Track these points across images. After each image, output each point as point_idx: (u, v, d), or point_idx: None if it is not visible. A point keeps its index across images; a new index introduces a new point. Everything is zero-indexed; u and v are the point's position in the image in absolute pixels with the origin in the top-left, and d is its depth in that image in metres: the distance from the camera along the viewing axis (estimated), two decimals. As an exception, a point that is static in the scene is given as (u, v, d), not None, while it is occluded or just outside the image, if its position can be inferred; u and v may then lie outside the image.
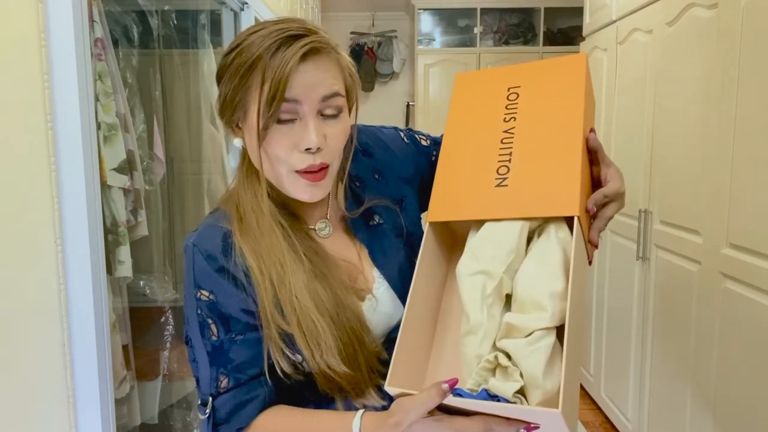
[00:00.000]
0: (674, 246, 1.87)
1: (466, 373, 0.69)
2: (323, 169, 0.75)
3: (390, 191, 0.90)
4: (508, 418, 0.62)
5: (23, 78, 1.05)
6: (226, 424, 0.76)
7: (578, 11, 3.02)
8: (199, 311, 0.77)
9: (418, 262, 0.76)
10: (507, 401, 0.62)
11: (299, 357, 0.76)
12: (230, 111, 0.75)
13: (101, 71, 1.48)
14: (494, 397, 0.62)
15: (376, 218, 0.87)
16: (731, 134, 1.54)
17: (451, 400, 0.62)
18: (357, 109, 0.83)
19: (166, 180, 2.14)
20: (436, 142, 0.98)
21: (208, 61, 2.14)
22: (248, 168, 0.82)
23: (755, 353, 1.44)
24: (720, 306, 1.60)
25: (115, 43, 1.70)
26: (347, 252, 0.85)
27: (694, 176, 1.73)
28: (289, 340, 0.75)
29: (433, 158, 0.95)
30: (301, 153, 0.73)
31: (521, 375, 0.64)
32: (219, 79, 0.77)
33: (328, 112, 0.74)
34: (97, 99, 1.45)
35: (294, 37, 0.71)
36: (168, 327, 2.02)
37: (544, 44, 4.19)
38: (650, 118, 2.05)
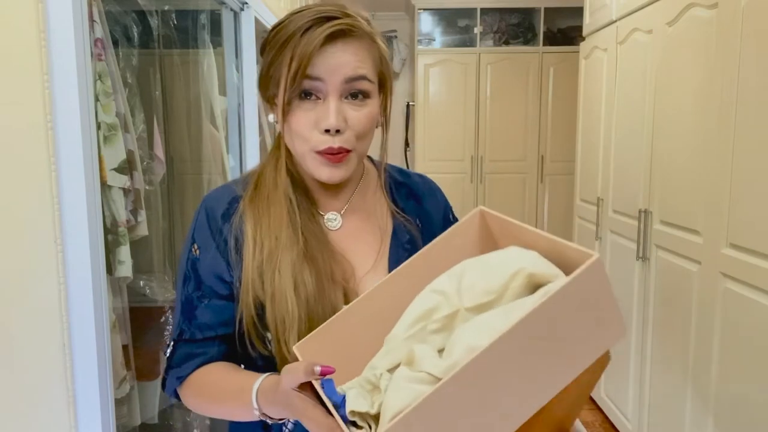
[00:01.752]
0: (674, 246, 1.87)
1: (356, 377, 0.65)
2: (343, 152, 0.76)
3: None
4: None
5: (23, 78, 1.05)
6: (176, 369, 0.81)
7: (578, 11, 3.01)
8: (186, 262, 0.82)
9: (436, 240, 0.70)
10: (345, 418, 0.57)
11: (268, 334, 0.77)
12: (265, 85, 0.78)
13: (101, 71, 1.48)
14: (342, 407, 0.58)
15: (407, 237, 0.88)
16: (731, 134, 1.54)
17: (317, 386, 0.60)
18: (391, 101, 0.83)
19: (166, 180, 2.14)
20: None
21: (208, 61, 2.14)
22: (279, 142, 0.84)
23: (755, 353, 1.44)
24: (720, 306, 1.60)
25: (115, 43, 1.69)
26: (350, 250, 0.84)
27: (694, 176, 1.73)
28: (262, 312, 0.77)
29: None
30: (322, 133, 0.74)
31: (380, 405, 0.57)
32: (261, 53, 0.80)
33: (353, 92, 0.75)
34: (97, 99, 1.45)
35: (327, 18, 0.73)
36: (168, 327, 2.01)
37: (544, 44, 4.19)
38: (650, 118, 2.05)
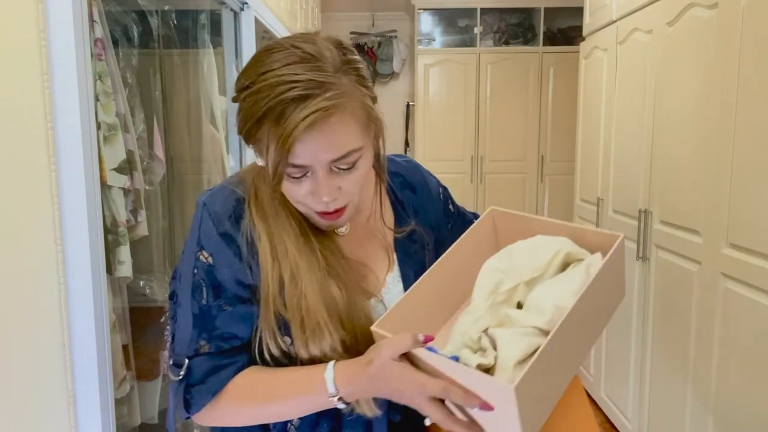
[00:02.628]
0: (674, 246, 1.87)
1: (448, 345, 0.72)
2: (340, 210, 0.75)
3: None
4: (466, 391, 0.63)
5: (23, 78, 1.05)
6: (201, 385, 0.76)
7: (578, 11, 3.01)
8: (195, 271, 0.77)
9: (460, 239, 0.80)
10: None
11: (288, 341, 0.77)
12: (246, 141, 0.74)
13: (101, 71, 1.48)
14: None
15: (414, 237, 0.89)
16: (731, 134, 1.54)
17: (422, 353, 0.65)
18: (384, 139, 0.78)
19: (166, 180, 2.14)
20: (461, 213, 0.99)
21: (208, 61, 2.14)
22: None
23: (755, 353, 1.44)
24: (720, 306, 1.60)
25: (115, 43, 1.70)
26: (361, 251, 0.85)
27: (694, 176, 1.73)
28: (284, 326, 0.76)
29: (450, 227, 0.96)
30: (315, 201, 0.73)
31: (495, 359, 0.66)
32: (235, 100, 0.75)
33: (342, 167, 0.71)
34: (97, 99, 1.45)
35: (301, 98, 0.66)
36: (168, 327, 2.01)
37: (544, 44, 4.19)
38: (650, 118, 2.05)
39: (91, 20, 1.41)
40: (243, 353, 0.78)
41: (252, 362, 0.79)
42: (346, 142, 0.70)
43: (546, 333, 0.67)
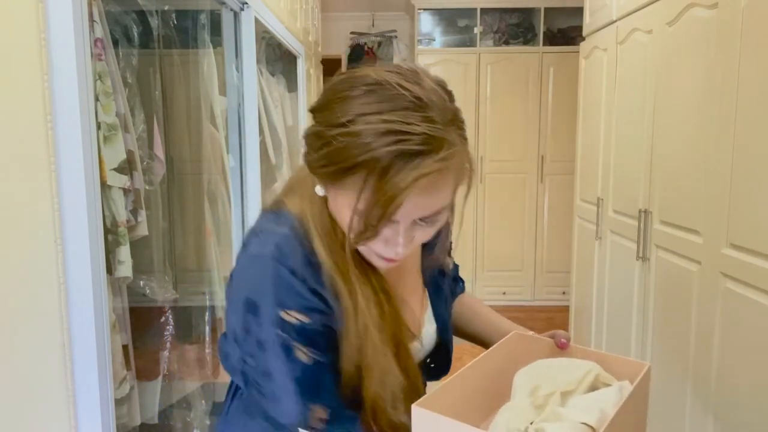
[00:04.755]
0: (674, 246, 1.87)
1: None
2: (403, 257, 0.71)
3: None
4: None
5: (23, 78, 1.05)
6: None
7: (578, 11, 3.01)
8: (281, 332, 0.68)
9: (481, 356, 0.82)
10: None
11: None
12: (319, 176, 0.67)
13: (101, 71, 1.48)
14: None
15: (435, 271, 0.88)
16: (731, 134, 1.53)
17: None
18: (470, 187, 0.70)
19: (166, 180, 2.14)
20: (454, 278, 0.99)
21: (208, 61, 2.14)
22: (325, 204, 0.73)
23: (755, 353, 1.44)
24: (720, 306, 1.60)
25: (115, 43, 1.70)
26: (400, 286, 0.83)
27: (694, 176, 1.73)
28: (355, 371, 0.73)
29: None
30: (386, 248, 0.68)
31: None
32: (315, 123, 0.67)
33: (425, 221, 0.67)
34: (97, 99, 1.45)
35: (413, 155, 0.59)
36: (168, 327, 2.01)
37: (544, 44, 4.19)
38: (650, 118, 2.05)
39: (91, 20, 1.41)
40: (356, 421, 0.73)
41: None
42: (442, 200, 0.66)
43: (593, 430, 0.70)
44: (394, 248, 0.67)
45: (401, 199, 0.60)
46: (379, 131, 0.59)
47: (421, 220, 0.66)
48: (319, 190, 0.71)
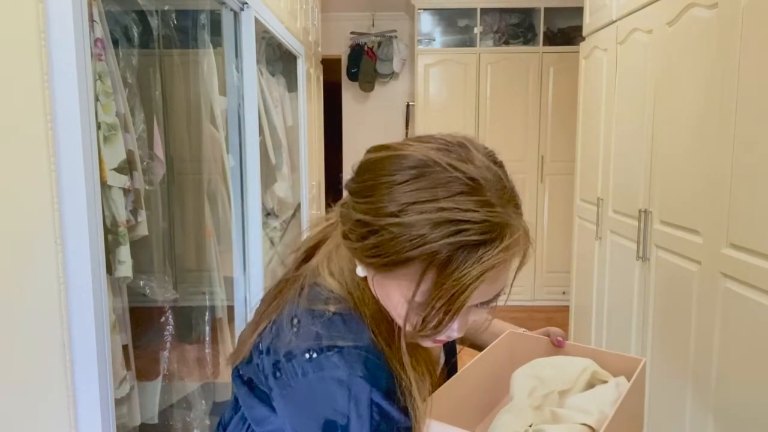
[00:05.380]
0: (674, 246, 1.87)
1: None
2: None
3: None
4: None
5: (23, 78, 1.05)
6: None
7: (578, 11, 3.01)
8: None
9: (478, 357, 0.82)
10: None
11: None
12: (365, 263, 0.63)
13: (101, 71, 1.48)
14: None
15: None
16: (731, 134, 1.53)
17: None
18: (526, 258, 0.65)
19: (166, 180, 2.14)
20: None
21: (208, 61, 2.14)
22: (368, 286, 0.68)
23: (755, 353, 1.44)
24: (720, 306, 1.60)
25: (115, 43, 1.69)
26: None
27: (694, 176, 1.73)
28: None
29: None
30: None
31: None
32: (357, 209, 0.61)
33: (485, 305, 0.63)
34: (97, 99, 1.45)
35: (475, 246, 0.55)
36: (168, 327, 2.01)
37: (544, 44, 4.19)
38: (650, 118, 2.05)
39: (91, 20, 1.41)
40: None
41: None
42: (504, 283, 0.62)
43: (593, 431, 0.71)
44: (448, 333, 0.62)
45: (467, 295, 0.56)
46: (435, 221, 0.55)
47: (479, 305, 0.63)
48: (361, 271, 0.66)
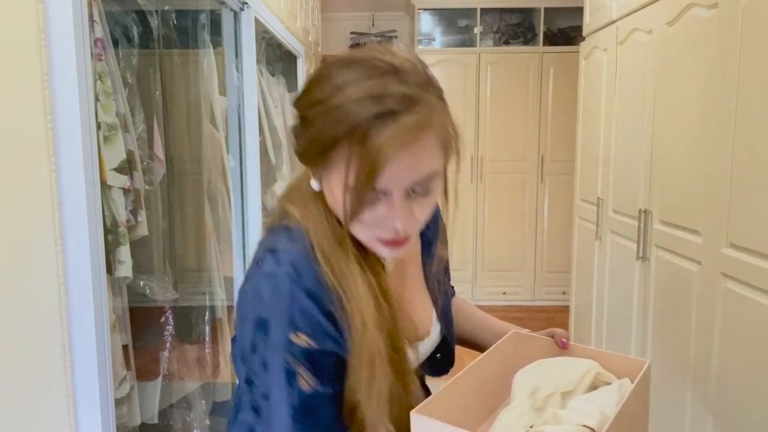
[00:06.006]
0: (674, 246, 1.87)
1: None
2: (406, 239, 0.69)
3: None
4: None
5: (23, 78, 1.05)
6: None
7: (578, 11, 3.01)
8: (288, 356, 0.66)
9: (482, 356, 0.82)
10: None
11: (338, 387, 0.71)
12: (309, 163, 0.68)
13: (101, 71, 1.48)
14: None
15: (433, 251, 0.88)
16: (731, 134, 1.54)
17: None
18: (458, 168, 0.71)
19: (166, 180, 2.14)
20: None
21: (208, 61, 2.14)
22: (321, 200, 0.72)
23: (755, 353, 1.44)
24: (720, 306, 1.60)
25: (115, 43, 1.70)
26: (406, 290, 0.83)
27: (694, 176, 1.73)
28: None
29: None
30: (386, 227, 0.67)
31: None
32: (297, 111, 0.67)
33: (419, 190, 0.65)
34: (97, 99, 1.45)
35: (390, 114, 0.60)
36: (168, 327, 2.02)
37: (544, 44, 4.19)
38: (650, 118, 2.05)
39: (91, 20, 1.41)
40: None
41: None
42: (430, 163, 0.65)
43: None
44: (392, 224, 0.65)
45: (384, 158, 0.60)
46: (357, 98, 0.60)
47: (414, 191, 0.65)
48: (314, 184, 0.70)
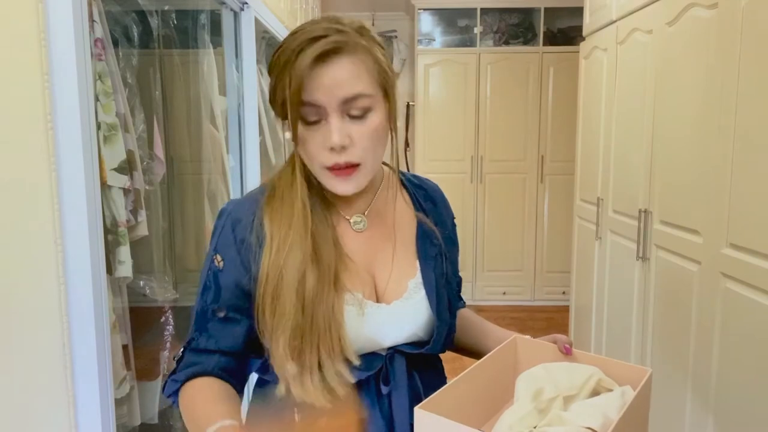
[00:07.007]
0: (674, 246, 1.87)
1: None
2: (350, 167, 0.77)
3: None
4: None
5: (23, 78, 1.05)
6: (177, 374, 0.82)
7: (578, 11, 3.01)
8: (208, 272, 0.81)
9: (483, 359, 0.83)
10: None
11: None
12: (275, 107, 0.79)
13: (101, 71, 1.48)
14: None
15: (435, 242, 0.90)
16: (731, 134, 1.54)
17: None
18: (395, 109, 0.82)
19: (166, 180, 2.14)
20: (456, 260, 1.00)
21: (208, 61, 2.14)
22: (294, 153, 0.85)
23: (755, 353, 1.44)
24: (720, 306, 1.60)
25: (115, 43, 1.69)
26: (379, 253, 0.86)
27: (694, 176, 1.73)
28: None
29: (448, 256, 0.95)
30: (328, 151, 0.76)
31: None
32: (269, 73, 0.80)
33: (354, 113, 0.75)
34: (97, 99, 1.45)
35: (316, 38, 0.72)
36: (168, 327, 2.01)
37: (544, 44, 4.19)
38: (650, 118, 2.05)
39: (91, 20, 1.41)
40: (214, 358, 0.81)
41: (230, 373, 0.81)
42: (357, 84, 0.74)
43: None
44: (331, 140, 0.74)
45: (303, 71, 0.71)
46: (296, 37, 0.74)
47: (348, 112, 0.75)
48: (287, 135, 0.80)
